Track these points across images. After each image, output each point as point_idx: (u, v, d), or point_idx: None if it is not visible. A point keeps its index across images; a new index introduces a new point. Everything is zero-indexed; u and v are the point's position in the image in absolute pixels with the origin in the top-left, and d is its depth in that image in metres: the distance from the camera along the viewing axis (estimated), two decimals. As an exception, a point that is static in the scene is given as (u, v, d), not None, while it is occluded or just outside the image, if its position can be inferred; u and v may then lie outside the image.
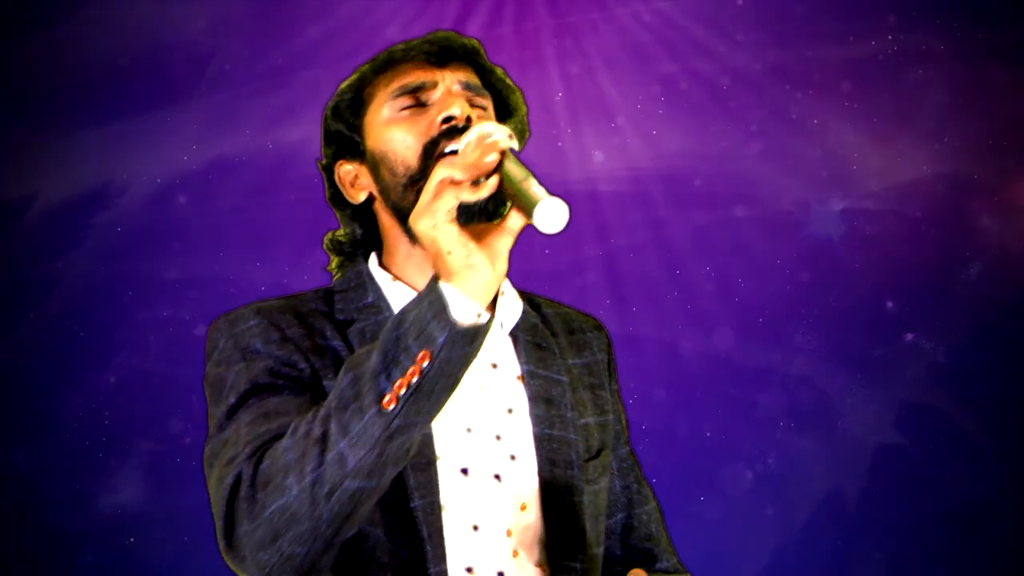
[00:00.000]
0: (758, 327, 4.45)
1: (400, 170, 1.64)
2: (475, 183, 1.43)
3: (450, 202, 1.41)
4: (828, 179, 4.50)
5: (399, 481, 1.55)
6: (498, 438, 1.64)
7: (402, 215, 1.66)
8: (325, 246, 1.79)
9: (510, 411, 1.66)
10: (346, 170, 1.73)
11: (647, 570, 1.78)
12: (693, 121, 4.55)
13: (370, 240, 1.75)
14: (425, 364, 1.37)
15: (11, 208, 4.36)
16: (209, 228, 4.37)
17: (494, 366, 1.68)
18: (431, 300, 1.39)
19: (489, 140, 1.48)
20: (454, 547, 1.57)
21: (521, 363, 1.70)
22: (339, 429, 1.39)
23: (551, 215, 1.40)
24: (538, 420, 1.66)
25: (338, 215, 1.78)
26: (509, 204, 1.46)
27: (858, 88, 4.48)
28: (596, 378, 1.78)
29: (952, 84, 4.44)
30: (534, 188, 1.41)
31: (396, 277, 1.70)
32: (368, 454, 1.39)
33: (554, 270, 4.29)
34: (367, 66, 1.72)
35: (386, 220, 1.71)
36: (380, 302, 1.68)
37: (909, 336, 4.44)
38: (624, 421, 1.84)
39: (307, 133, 4.37)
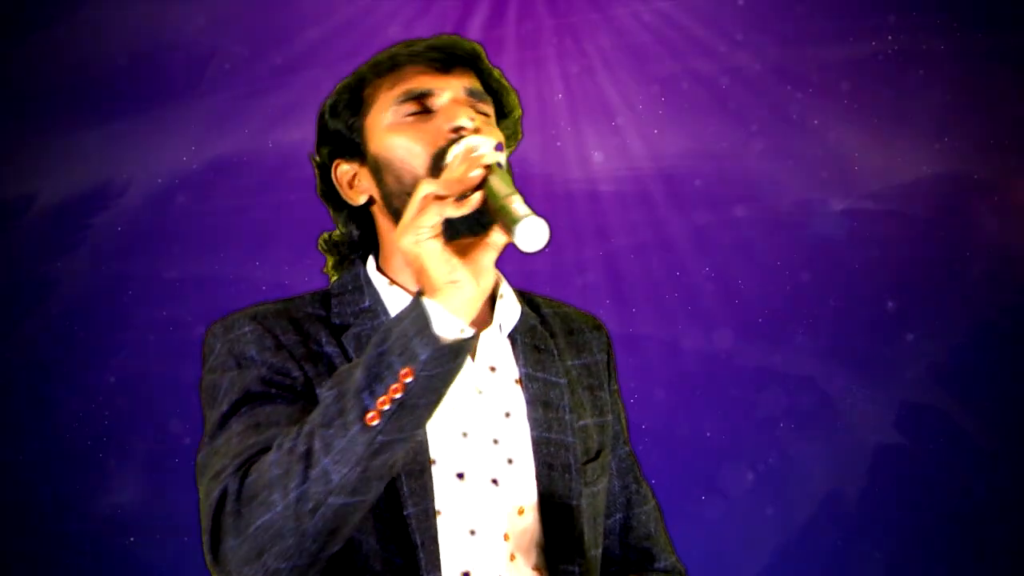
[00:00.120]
0: (758, 327, 4.46)
1: (407, 179, 1.62)
2: (460, 198, 1.43)
3: (433, 218, 1.41)
4: (828, 179, 4.50)
5: (392, 488, 1.55)
6: (496, 442, 1.63)
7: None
8: (320, 247, 1.79)
9: (508, 415, 1.65)
10: (344, 170, 1.72)
11: (645, 569, 1.78)
12: (693, 121, 4.55)
13: (367, 242, 1.74)
14: (408, 380, 1.38)
15: (11, 208, 4.36)
16: (209, 228, 4.37)
17: (492, 369, 1.67)
18: (414, 316, 1.39)
19: (475, 154, 1.49)
20: (451, 552, 1.57)
21: (519, 366, 1.69)
22: (323, 446, 1.39)
23: (530, 234, 1.40)
24: (536, 424, 1.66)
25: (332, 214, 1.77)
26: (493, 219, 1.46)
27: (858, 88, 4.48)
28: (595, 379, 1.78)
29: (952, 84, 4.44)
30: (515, 205, 1.41)
31: (393, 281, 1.69)
32: (352, 471, 1.39)
33: (555, 270, 4.29)
34: (368, 66, 1.70)
35: (385, 224, 1.70)
36: (377, 306, 1.67)
37: (909, 336, 4.44)
38: (624, 421, 1.84)
39: (307, 133, 4.36)
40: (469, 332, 1.41)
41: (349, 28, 4.45)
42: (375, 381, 1.39)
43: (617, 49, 4.57)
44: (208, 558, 1.47)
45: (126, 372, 4.28)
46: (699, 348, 4.45)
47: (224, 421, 1.55)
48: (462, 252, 1.44)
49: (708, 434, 4.39)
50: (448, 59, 1.66)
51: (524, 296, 1.79)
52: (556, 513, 1.63)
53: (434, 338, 1.38)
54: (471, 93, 1.66)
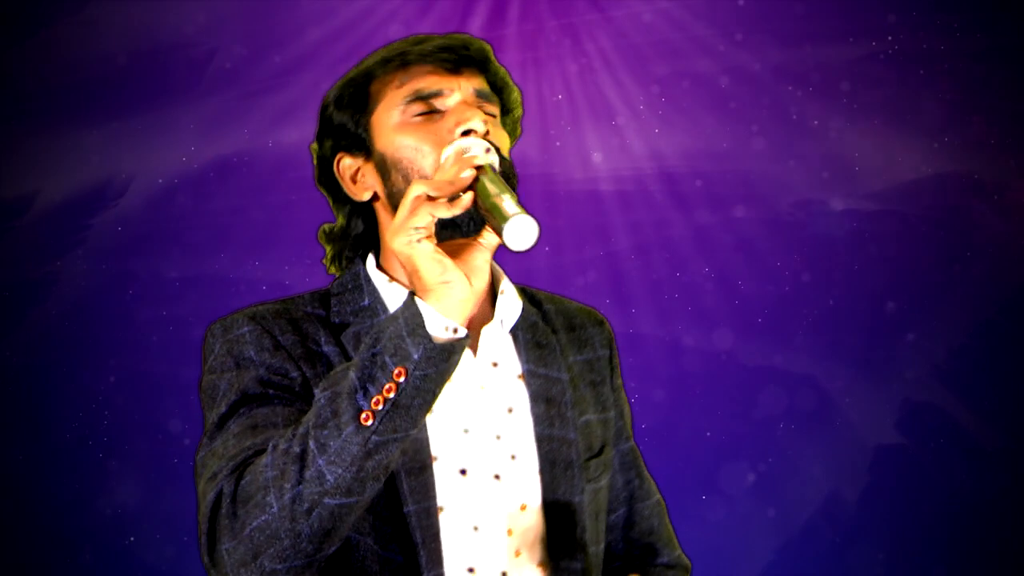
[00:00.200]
0: (758, 327, 4.46)
1: (415, 179, 1.61)
2: (451, 199, 1.44)
3: (425, 219, 1.42)
4: (828, 179, 4.50)
5: (391, 486, 1.55)
6: (498, 438, 1.63)
7: None
8: (319, 238, 1.79)
9: (510, 410, 1.66)
10: (347, 164, 1.72)
11: (648, 563, 1.79)
12: (693, 121, 4.55)
13: (368, 238, 1.75)
14: (401, 380, 1.38)
15: (11, 208, 4.36)
16: (209, 228, 4.37)
17: (495, 365, 1.67)
18: (407, 317, 1.40)
19: (466, 155, 1.50)
20: (455, 548, 1.58)
21: (522, 362, 1.69)
22: (318, 447, 1.40)
23: (519, 232, 1.41)
24: (539, 419, 1.66)
25: (332, 206, 1.77)
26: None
27: (858, 88, 4.48)
28: (597, 374, 1.78)
29: (952, 84, 4.44)
30: (505, 205, 1.42)
31: (393, 278, 1.69)
32: (346, 471, 1.39)
33: (555, 270, 4.29)
34: (375, 61, 1.69)
35: (387, 221, 1.70)
36: (376, 304, 1.67)
37: (909, 336, 4.44)
38: (627, 417, 1.84)
39: (307, 133, 4.36)
40: (462, 332, 1.42)
41: (349, 28, 4.45)
42: (368, 381, 1.39)
43: (617, 49, 4.57)
44: (205, 560, 1.48)
45: (126, 372, 4.28)
46: (699, 348, 4.45)
47: (222, 422, 1.55)
48: (455, 253, 1.45)
49: (708, 434, 4.39)
50: (458, 60, 1.65)
51: (526, 292, 1.79)
52: (558, 509, 1.63)
53: (427, 338, 1.39)
54: (479, 94, 1.66)
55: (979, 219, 4.45)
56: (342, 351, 1.63)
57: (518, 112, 1.75)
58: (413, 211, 1.42)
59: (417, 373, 1.38)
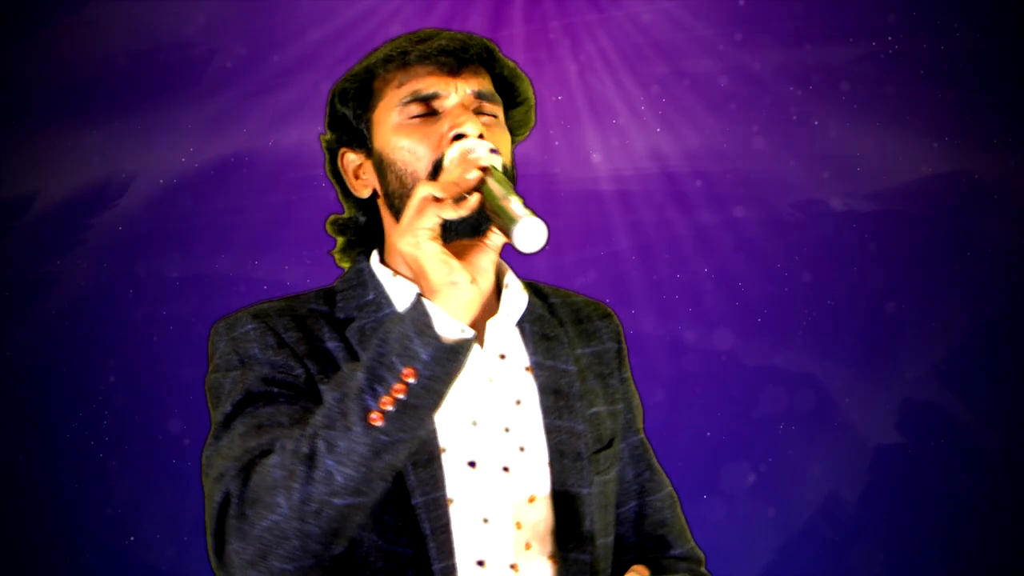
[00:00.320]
0: (758, 327, 4.46)
1: (409, 181, 1.63)
2: (457, 201, 1.45)
3: (431, 220, 1.43)
4: (829, 179, 4.50)
5: (398, 480, 1.55)
6: (507, 430, 1.64)
7: None
8: (328, 229, 1.79)
9: (519, 402, 1.66)
10: (350, 159, 1.73)
11: (661, 556, 1.78)
12: (693, 121, 4.55)
13: (372, 232, 1.75)
14: (411, 381, 1.39)
15: (11, 208, 4.36)
16: (209, 228, 4.37)
17: (502, 357, 1.68)
18: (414, 317, 1.41)
19: (471, 156, 1.51)
20: (464, 541, 1.58)
21: (529, 354, 1.70)
22: (326, 447, 1.40)
23: (528, 235, 1.41)
24: (547, 411, 1.67)
25: (339, 196, 1.78)
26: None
27: (858, 88, 4.48)
28: (605, 366, 1.79)
29: (952, 84, 4.44)
30: (513, 206, 1.43)
31: (397, 273, 1.70)
32: (355, 471, 1.40)
33: (555, 270, 4.29)
34: (378, 58, 1.69)
35: (388, 219, 1.71)
36: (380, 299, 1.68)
37: (909, 336, 4.44)
38: (636, 409, 1.84)
39: (307, 133, 4.38)
40: (469, 333, 1.42)
41: (350, 29, 4.45)
42: (376, 382, 1.40)
43: (617, 49, 4.57)
44: (213, 561, 1.49)
45: (126, 372, 4.28)
46: (699, 348, 4.45)
47: (227, 422, 1.56)
48: (460, 254, 1.46)
49: (708, 434, 4.39)
50: (458, 61, 1.65)
51: (532, 286, 1.79)
52: (567, 501, 1.64)
53: (436, 338, 1.39)
54: (479, 95, 1.66)
55: (979, 219, 4.45)
56: (346, 347, 1.63)
57: (530, 100, 1.75)
58: (419, 212, 1.43)
59: (426, 373, 1.39)
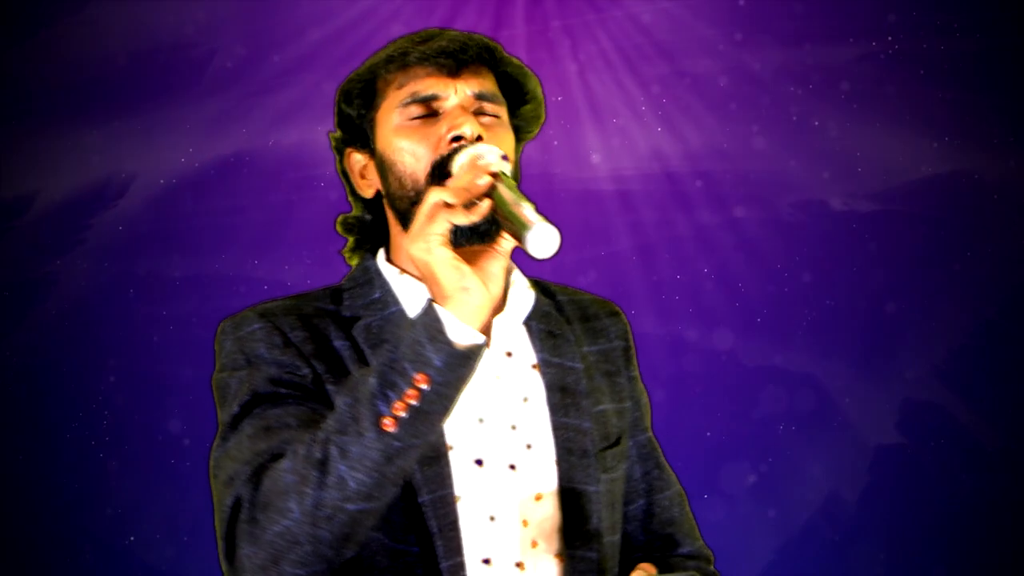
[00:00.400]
0: (758, 327, 4.46)
1: (408, 183, 1.64)
2: (468, 206, 1.45)
3: (443, 226, 1.43)
4: (829, 179, 4.50)
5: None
6: (513, 428, 1.64)
7: (406, 220, 1.66)
8: (338, 228, 1.79)
9: (526, 400, 1.66)
10: (356, 159, 1.74)
11: (669, 554, 1.78)
12: (693, 121, 4.55)
13: (379, 230, 1.76)
14: (424, 387, 1.39)
15: (11, 208, 4.36)
16: (209, 228, 4.37)
17: (509, 355, 1.68)
18: (426, 323, 1.41)
19: (481, 162, 1.51)
20: (470, 539, 1.58)
21: (536, 351, 1.70)
22: (339, 452, 1.41)
23: (541, 241, 1.42)
24: (554, 408, 1.67)
25: (348, 194, 1.79)
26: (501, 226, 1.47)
27: (858, 88, 4.48)
28: (612, 364, 1.79)
29: (952, 84, 4.44)
30: (526, 212, 1.43)
31: (404, 271, 1.70)
32: (367, 476, 1.40)
33: (555, 271, 4.28)
34: (380, 59, 1.70)
35: (392, 218, 1.72)
36: (387, 297, 1.68)
37: (909, 336, 4.44)
38: (644, 407, 1.84)
39: (307, 133, 4.38)
40: (481, 338, 1.42)
41: (350, 29, 4.45)
42: (389, 387, 1.40)
43: (617, 49, 4.57)
44: (224, 565, 1.49)
45: (126, 372, 4.28)
46: (699, 348, 4.45)
47: (235, 423, 1.56)
48: (471, 259, 1.46)
49: (708, 434, 4.39)
50: (457, 62, 1.65)
51: (539, 284, 1.80)
52: (574, 499, 1.64)
53: (449, 344, 1.40)
54: (480, 96, 1.66)
55: (979, 219, 4.45)
56: (353, 345, 1.64)
57: (538, 97, 1.75)
58: (431, 218, 1.43)
59: (439, 379, 1.39)
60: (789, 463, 4.40)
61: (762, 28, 4.53)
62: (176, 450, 4.19)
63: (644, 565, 1.60)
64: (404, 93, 1.66)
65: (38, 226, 4.37)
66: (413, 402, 1.39)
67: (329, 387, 1.59)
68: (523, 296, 1.72)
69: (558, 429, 1.66)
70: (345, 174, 1.76)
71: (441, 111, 1.65)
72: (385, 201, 1.71)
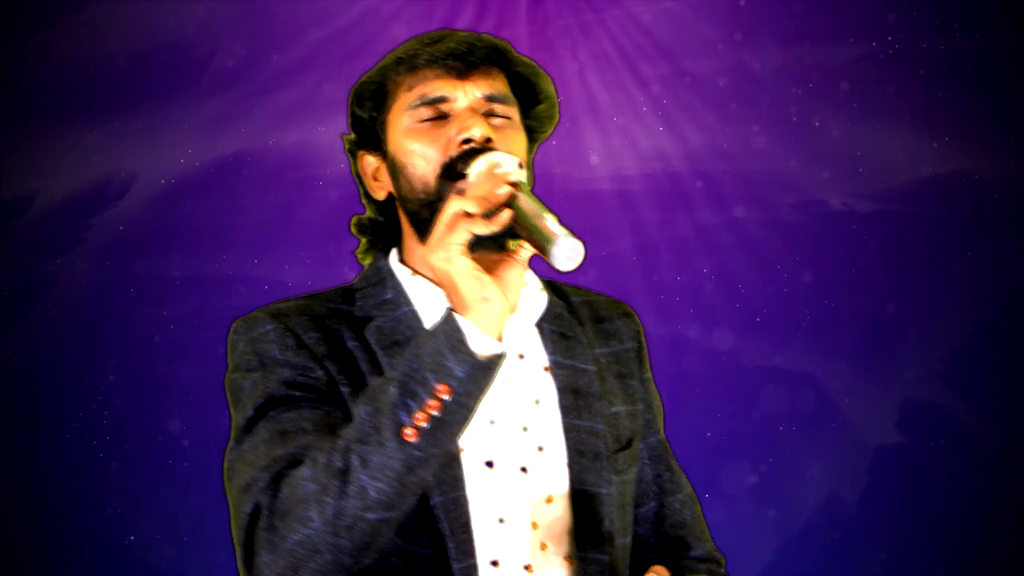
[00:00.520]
0: (758, 327, 4.46)
1: (418, 186, 1.64)
2: (488, 216, 1.45)
3: (463, 236, 1.43)
4: (829, 179, 4.50)
5: None
6: (525, 429, 1.64)
7: (418, 222, 1.67)
8: (352, 230, 1.79)
9: (537, 402, 1.66)
10: (368, 161, 1.74)
11: (680, 557, 1.78)
12: (694, 121, 4.55)
13: (392, 231, 1.75)
14: (445, 397, 1.40)
15: (11, 208, 4.36)
16: (209, 228, 4.37)
17: (521, 357, 1.68)
18: (447, 333, 1.41)
19: (499, 171, 1.51)
20: (479, 541, 1.58)
21: (548, 353, 1.70)
22: (360, 462, 1.41)
23: (566, 254, 1.42)
24: (566, 411, 1.66)
25: (361, 196, 1.79)
26: (520, 235, 1.47)
27: (858, 88, 4.48)
28: (624, 366, 1.79)
29: (952, 84, 4.44)
30: (549, 225, 1.43)
31: (416, 272, 1.70)
32: (388, 486, 1.41)
33: (548, 269, 4.29)
34: (390, 61, 1.70)
35: (404, 220, 1.72)
36: (399, 298, 1.68)
37: (909, 336, 4.44)
38: (657, 409, 1.84)
39: (307, 133, 4.38)
40: (502, 349, 1.43)
41: (350, 29, 4.45)
42: (410, 397, 1.40)
43: (617, 49, 4.57)
44: (242, 572, 1.49)
45: (126, 372, 4.28)
46: (699, 348, 4.45)
47: (249, 426, 1.56)
48: (490, 268, 1.46)
49: (708, 434, 4.39)
50: (465, 64, 1.65)
51: (552, 285, 1.79)
52: (585, 501, 1.63)
53: (471, 355, 1.40)
54: (490, 98, 1.66)
55: (979, 219, 4.45)
56: (364, 347, 1.63)
57: (551, 97, 1.76)
58: (451, 227, 1.43)
59: (461, 390, 1.40)
60: (789, 463, 4.40)
61: (762, 28, 4.52)
62: (176, 450, 4.19)
63: (657, 568, 1.59)
64: (413, 95, 1.66)
65: (38, 226, 4.37)
66: (435, 412, 1.40)
67: (343, 389, 1.59)
68: (536, 298, 1.71)
69: (570, 431, 1.65)
70: (358, 177, 1.76)
71: (451, 113, 1.65)
72: (397, 203, 1.71)
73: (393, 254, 1.74)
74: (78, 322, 4.31)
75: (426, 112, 1.65)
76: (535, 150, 1.77)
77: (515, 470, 1.61)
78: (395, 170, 1.68)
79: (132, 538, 4.21)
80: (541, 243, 1.43)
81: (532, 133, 1.74)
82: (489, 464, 1.61)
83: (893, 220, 4.49)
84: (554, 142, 4.64)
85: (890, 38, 4.46)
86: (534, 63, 1.73)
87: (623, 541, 1.68)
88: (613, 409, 1.71)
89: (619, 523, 1.67)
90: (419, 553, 1.55)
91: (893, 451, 4.41)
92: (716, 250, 4.50)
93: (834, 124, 4.48)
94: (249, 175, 4.41)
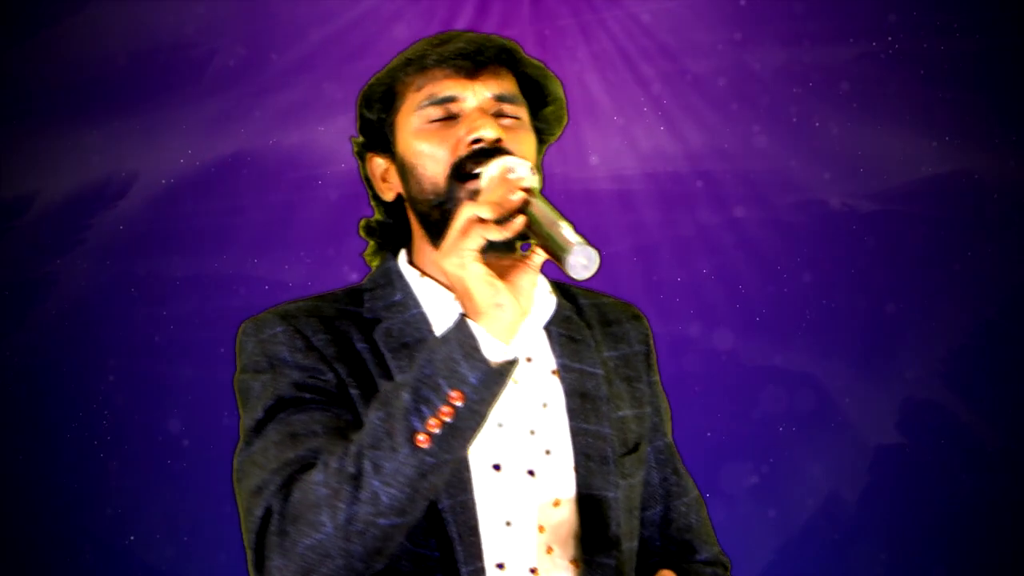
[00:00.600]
0: (758, 327, 4.46)
1: (428, 187, 1.64)
2: (501, 222, 1.43)
3: (477, 241, 1.42)
4: (829, 179, 4.50)
5: None
6: (532, 433, 1.64)
7: (427, 223, 1.67)
8: (360, 232, 1.79)
9: (545, 405, 1.66)
10: (377, 163, 1.73)
11: (686, 560, 1.78)
12: (694, 121, 4.55)
13: (401, 233, 1.75)
14: (459, 404, 1.39)
15: (11, 208, 4.36)
16: (209, 228, 4.37)
17: (528, 360, 1.68)
18: (460, 339, 1.40)
19: (512, 176, 1.49)
20: (486, 544, 1.58)
21: (556, 357, 1.70)
22: (372, 468, 1.40)
23: (583, 263, 1.41)
24: (573, 414, 1.66)
25: (370, 198, 1.79)
26: (533, 241, 1.46)
27: (858, 88, 4.48)
28: (632, 370, 1.78)
29: (952, 84, 4.44)
30: (564, 232, 1.42)
31: (425, 274, 1.70)
32: (400, 492, 1.40)
33: (556, 270, 4.28)
34: (399, 62, 1.70)
35: (414, 221, 1.71)
36: (408, 300, 1.68)
37: (909, 336, 4.44)
38: (664, 413, 1.83)
39: (307, 133, 4.38)
40: (514, 355, 1.42)
41: (351, 29, 4.45)
42: (423, 403, 1.40)
43: (617, 49, 4.57)
44: (253, 575, 1.50)
45: (126, 372, 4.28)
46: (699, 348, 4.45)
47: (259, 428, 1.56)
48: (502, 274, 1.45)
49: (708, 434, 4.39)
50: (475, 64, 1.65)
51: (560, 287, 1.79)
52: (592, 505, 1.63)
53: (484, 362, 1.39)
54: (500, 98, 1.66)
55: (979, 219, 4.45)
56: (373, 348, 1.63)
57: (560, 99, 1.75)
58: (464, 233, 1.42)
59: (474, 397, 1.40)
60: (789, 463, 4.40)
61: (762, 28, 4.52)
62: (176, 450, 4.19)
63: (663, 572, 1.59)
64: (422, 95, 1.66)
65: (38, 226, 4.37)
66: (447, 419, 1.39)
67: (352, 391, 1.59)
68: (544, 300, 1.71)
69: (577, 435, 1.65)
70: (367, 179, 1.76)
71: (460, 113, 1.64)
72: (407, 204, 1.70)
73: (402, 255, 1.73)
74: (78, 322, 4.31)
75: (435, 112, 1.65)
76: (544, 152, 1.76)
77: (522, 473, 1.61)
78: (404, 171, 1.67)
79: (132, 538, 4.21)
80: (556, 251, 1.42)
81: (540, 135, 1.74)
82: (496, 467, 1.60)
83: (893, 220, 4.49)
84: (556, 143, 4.64)
85: (890, 38, 4.46)
86: (543, 64, 1.73)
87: (630, 545, 1.68)
88: (620, 413, 1.71)
89: (626, 527, 1.67)
90: (427, 556, 1.55)
91: (893, 451, 4.41)
92: (716, 250, 4.50)
93: (834, 124, 4.48)
94: (249, 175, 4.41)
